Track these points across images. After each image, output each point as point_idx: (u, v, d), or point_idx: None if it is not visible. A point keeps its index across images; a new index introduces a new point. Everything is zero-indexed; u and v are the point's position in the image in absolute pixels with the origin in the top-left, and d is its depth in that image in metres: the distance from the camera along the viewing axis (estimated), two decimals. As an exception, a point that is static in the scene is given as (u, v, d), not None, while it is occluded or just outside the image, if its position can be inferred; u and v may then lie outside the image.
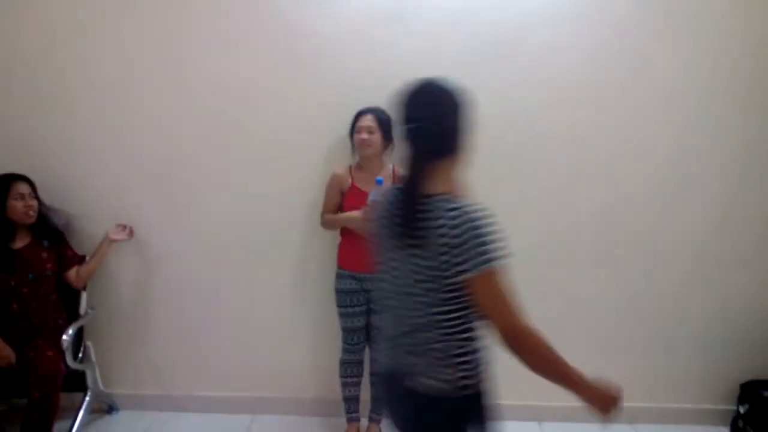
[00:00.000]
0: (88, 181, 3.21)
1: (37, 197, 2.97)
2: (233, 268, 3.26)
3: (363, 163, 2.94)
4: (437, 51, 3.02)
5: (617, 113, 3.06)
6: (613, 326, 3.27)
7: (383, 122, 2.85)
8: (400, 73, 2.89)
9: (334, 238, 3.06)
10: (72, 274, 3.06)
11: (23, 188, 2.91)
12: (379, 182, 2.70)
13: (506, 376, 3.30)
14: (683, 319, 3.26)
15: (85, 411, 3.15)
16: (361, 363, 3.10)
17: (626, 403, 3.22)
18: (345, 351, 3.07)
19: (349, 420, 3.15)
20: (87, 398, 3.18)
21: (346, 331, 3.04)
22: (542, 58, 3.01)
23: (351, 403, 3.14)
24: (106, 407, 3.42)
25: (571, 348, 3.26)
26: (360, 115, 2.89)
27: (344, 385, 3.11)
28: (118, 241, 3.14)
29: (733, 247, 3.18)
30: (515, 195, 3.12)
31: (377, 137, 2.85)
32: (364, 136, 2.84)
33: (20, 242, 2.95)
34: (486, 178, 3.07)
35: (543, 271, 3.21)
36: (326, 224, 3.01)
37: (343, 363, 3.08)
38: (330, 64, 3.06)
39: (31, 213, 2.92)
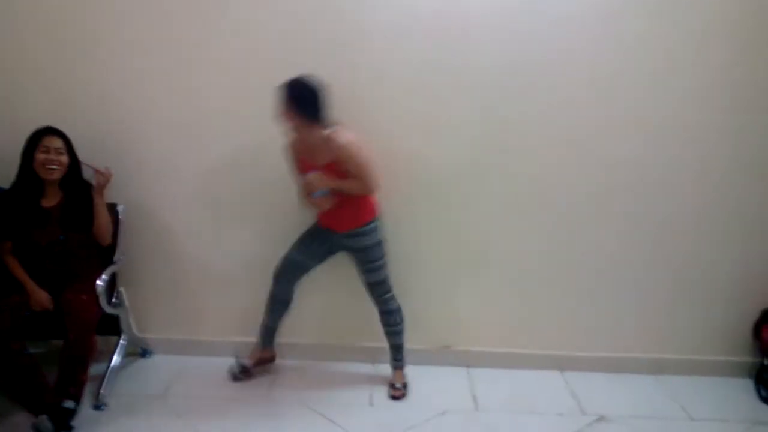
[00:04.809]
0: (111, 133, 3.23)
1: (70, 154, 2.95)
2: (260, 216, 3.30)
3: (306, 142, 2.90)
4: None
5: (647, 60, 3.00)
6: (639, 279, 3.27)
7: (289, 101, 2.79)
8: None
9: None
10: (94, 231, 3.04)
11: (53, 142, 2.87)
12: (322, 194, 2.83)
13: (529, 326, 3.37)
14: (708, 271, 3.25)
15: (119, 354, 3.25)
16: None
17: (651, 355, 3.31)
18: (273, 283, 3.20)
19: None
20: (121, 341, 3.29)
21: (282, 260, 3.17)
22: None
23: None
24: (139, 350, 3.52)
25: (599, 298, 3.32)
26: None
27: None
28: (104, 186, 3.00)
29: (759, 202, 3.15)
30: (545, 147, 3.13)
31: (290, 116, 2.80)
32: (283, 120, 2.82)
33: (51, 200, 2.95)
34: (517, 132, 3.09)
35: (573, 226, 3.22)
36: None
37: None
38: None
39: (51, 167, 2.87)
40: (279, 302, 3.22)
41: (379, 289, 3.08)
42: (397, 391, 3.13)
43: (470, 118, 3.10)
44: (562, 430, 2.87)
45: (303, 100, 2.79)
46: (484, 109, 3.09)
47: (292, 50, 3.07)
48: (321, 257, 3.17)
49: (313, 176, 2.83)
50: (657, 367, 3.36)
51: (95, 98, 3.20)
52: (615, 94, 3.04)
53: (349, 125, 2.86)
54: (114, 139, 3.22)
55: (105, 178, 2.98)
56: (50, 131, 2.90)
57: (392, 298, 3.12)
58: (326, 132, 2.82)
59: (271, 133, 3.02)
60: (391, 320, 3.14)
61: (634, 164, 3.12)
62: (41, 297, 2.86)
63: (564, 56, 3.01)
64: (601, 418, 2.96)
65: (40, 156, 2.85)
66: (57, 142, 2.90)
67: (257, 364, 3.31)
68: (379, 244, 3.02)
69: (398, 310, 3.14)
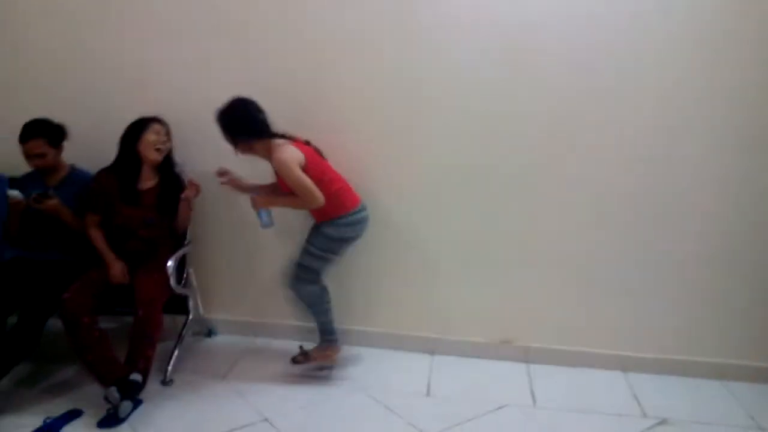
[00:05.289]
0: (183, 119, 3.30)
1: (170, 140, 3.15)
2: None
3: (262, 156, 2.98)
4: None
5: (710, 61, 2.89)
6: (709, 281, 3.16)
7: (224, 132, 2.89)
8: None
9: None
10: (174, 223, 3.22)
11: (160, 128, 3.08)
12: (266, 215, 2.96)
13: (592, 325, 3.31)
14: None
15: (186, 333, 3.37)
16: None
17: (718, 359, 3.21)
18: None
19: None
20: (188, 321, 3.41)
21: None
22: None
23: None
24: (205, 330, 3.65)
25: (666, 299, 3.23)
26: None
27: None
28: (193, 197, 3.16)
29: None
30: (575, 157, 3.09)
31: (234, 145, 2.91)
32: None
33: (146, 183, 3.11)
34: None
35: (642, 225, 3.14)
36: None
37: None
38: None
39: (161, 148, 3.07)
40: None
41: (298, 270, 3.06)
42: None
43: (536, 116, 3.07)
44: (622, 432, 2.83)
45: (234, 126, 2.87)
46: (550, 108, 3.05)
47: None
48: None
49: (255, 197, 2.94)
50: (723, 373, 3.25)
51: (175, 85, 3.32)
52: (679, 95, 2.94)
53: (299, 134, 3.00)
54: (186, 123, 3.30)
55: (195, 191, 3.14)
56: (156, 119, 3.09)
57: (303, 285, 3.08)
58: (271, 145, 2.88)
59: (329, 114, 3.14)
60: (303, 305, 3.14)
61: (706, 164, 3.01)
62: (118, 270, 3.01)
63: (628, 57, 2.93)
64: (663, 422, 2.89)
65: (151, 136, 3.05)
66: (163, 129, 3.09)
67: (320, 358, 3.32)
68: (332, 240, 3.01)
69: (306, 296, 3.11)
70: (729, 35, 2.84)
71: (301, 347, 3.34)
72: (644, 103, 2.98)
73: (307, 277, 3.07)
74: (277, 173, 2.92)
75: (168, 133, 3.12)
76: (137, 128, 3.05)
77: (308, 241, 3.05)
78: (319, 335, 3.21)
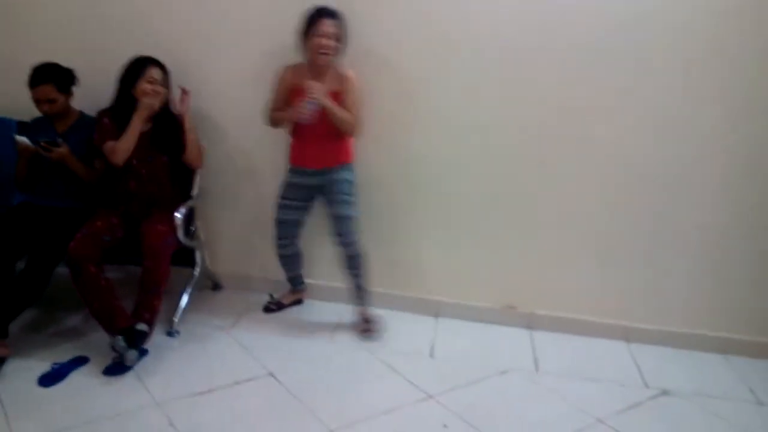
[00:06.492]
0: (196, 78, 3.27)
1: (167, 86, 3.03)
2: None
3: (315, 69, 2.92)
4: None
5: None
6: (717, 256, 3.17)
7: (343, 28, 2.89)
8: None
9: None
10: (185, 155, 3.11)
11: (156, 73, 2.97)
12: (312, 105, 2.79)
13: (598, 294, 3.31)
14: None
15: (192, 285, 3.37)
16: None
17: (721, 334, 3.21)
18: (277, 246, 3.27)
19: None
20: (195, 274, 3.40)
21: (278, 223, 3.20)
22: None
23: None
24: (211, 284, 3.66)
25: (673, 272, 3.24)
26: (320, 17, 2.82)
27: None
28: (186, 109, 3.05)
29: None
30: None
31: (335, 45, 2.86)
32: (324, 42, 2.82)
33: (144, 124, 3.01)
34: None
35: (654, 198, 3.13)
36: (272, 122, 3.05)
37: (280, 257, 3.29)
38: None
39: (154, 100, 2.95)
40: (290, 259, 3.34)
41: (351, 225, 3.06)
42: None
43: (553, 81, 3.04)
44: (623, 401, 2.83)
45: (347, 31, 2.90)
46: (568, 72, 3.02)
47: None
48: (306, 206, 3.19)
49: (317, 84, 2.80)
50: (726, 347, 3.27)
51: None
52: (705, 74, 2.93)
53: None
54: (198, 81, 3.25)
55: (186, 98, 3.04)
56: (154, 62, 2.99)
57: (359, 240, 3.11)
58: (338, 65, 2.96)
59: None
60: (358, 263, 3.14)
61: (718, 135, 2.99)
62: (149, 100, 2.93)
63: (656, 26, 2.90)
64: (664, 392, 2.91)
65: (146, 86, 2.94)
66: (159, 74, 2.99)
67: (290, 304, 3.49)
68: (355, 185, 3.10)
69: (365, 255, 3.14)
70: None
71: (271, 296, 3.45)
72: (665, 71, 2.95)
73: (357, 232, 3.10)
74: (337, 92, 2.90)
75: (166, 81, 3.03)
76: (134, 71, 2.95)
77: (345, 192, 3.05)
78: (359, 298, 3.25)
